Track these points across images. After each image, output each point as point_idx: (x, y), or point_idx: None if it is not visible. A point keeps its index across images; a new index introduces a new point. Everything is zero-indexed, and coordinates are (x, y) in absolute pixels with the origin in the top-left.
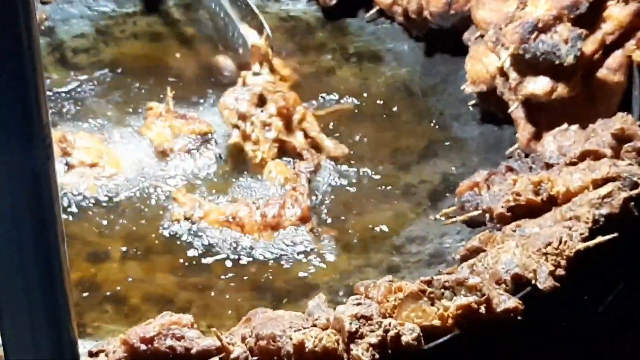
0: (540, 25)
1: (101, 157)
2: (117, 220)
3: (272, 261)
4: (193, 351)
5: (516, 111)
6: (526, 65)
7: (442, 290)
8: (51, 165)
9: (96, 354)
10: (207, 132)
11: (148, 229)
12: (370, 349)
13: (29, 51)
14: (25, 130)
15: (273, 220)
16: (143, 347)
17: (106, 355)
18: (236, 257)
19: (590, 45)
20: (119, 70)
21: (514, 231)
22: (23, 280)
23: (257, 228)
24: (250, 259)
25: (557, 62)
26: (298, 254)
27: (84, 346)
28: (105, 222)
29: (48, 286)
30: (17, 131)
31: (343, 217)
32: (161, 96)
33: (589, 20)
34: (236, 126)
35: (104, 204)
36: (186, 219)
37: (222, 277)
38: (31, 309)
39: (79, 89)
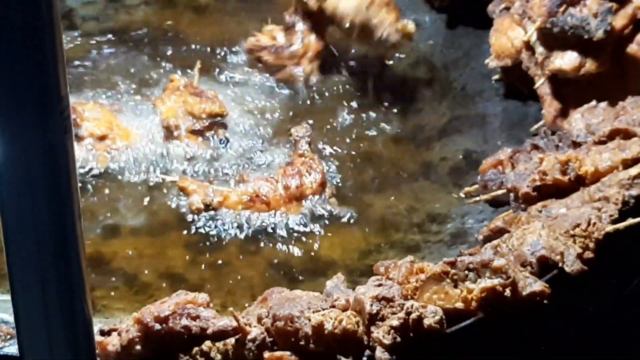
0: None
1: (111, 129)
2: (128, 195)
3: (288, 238)
4: (209, 331)
5: (542, 87)
6: (554, 39)
7: (466, 272)
8: (69, 138)
9: (108, 333)
10: (218, 113)
11: (159, 204)
12: (392, 331)
13: (48, 21)
14: (43, 102)
15: (297, 190)
16: (157, 326)
17: (119, 334)
18: (251, 233)
19: (620, 20)
20: (130, 39)
21: (540, 212)
22: (38, 255)
23: (282, 202)
24: (266, 235)
25: (586, 36)
26: (316, 229)
27: (94, 324)
28: (115, 197)
29: (63, 262)
30: (35, 104)
31: (362, 194)
32: (168, 67)
33: None
34: None
35: (114, 178)
36: (206, 206)
37: (236, 254)
38: (45, 285)
39: (88, 58)
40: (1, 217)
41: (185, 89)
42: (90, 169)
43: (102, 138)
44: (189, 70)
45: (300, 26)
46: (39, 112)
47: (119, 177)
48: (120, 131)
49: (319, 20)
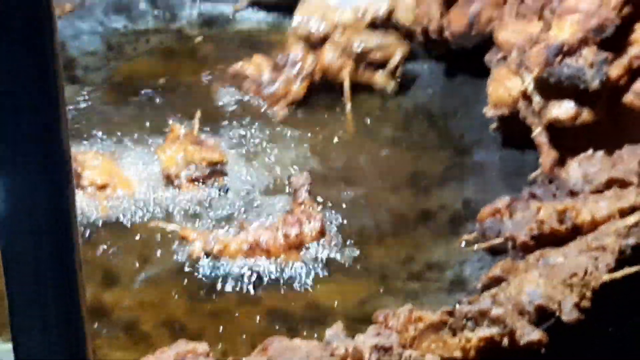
0: (565, 48)
1: (111, 178)
2: (128, 243)
3: (287, 286)
4: None
5: (539, 136)
6: (550, 89)
7: (464, 321)
8: (71, 190)
9: None
10: (218, 161)
11: (160, 252)
12: None
13: (51, 76)
14: (46, 156)
15: (297, 239)
16: None
17: None
18: (252, 282)
19: (616, 70)
20: (131, 88)
21: (538, 260)
22: (40, 304)
23: (282, 250)
24: (266, 283)
25: (582, 86)
26: (316, 277)
27: None
28: (115, 245)
29: (65, 312)
30: (38, 157)
31: (361, 242)
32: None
33: (615, 43)
34: None
35: (115, 226)
36: (207, 254)
37: (236, 302)
38: (47, 334)
39: (90, 107)
40: (3, 267)
41: (185, 137)
42: (91, 218)
43: (102, 187)
44: (190, 119)
45: (290, 71)
46: (41, 165)
47: (120, 225)
48: (121, 180)
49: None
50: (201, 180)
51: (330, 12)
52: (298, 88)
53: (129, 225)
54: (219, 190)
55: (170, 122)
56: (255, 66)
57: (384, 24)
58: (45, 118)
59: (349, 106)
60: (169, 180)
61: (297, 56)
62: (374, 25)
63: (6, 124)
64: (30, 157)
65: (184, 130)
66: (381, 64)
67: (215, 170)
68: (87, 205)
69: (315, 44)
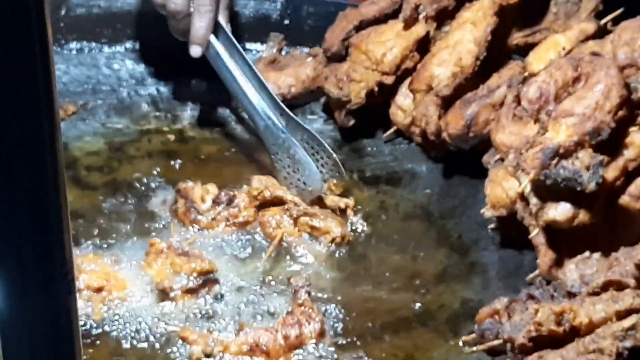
0: (561, 151)
1: (108, 280)
2: (127, 347)
3: None
4: None
5: (537, 237)
6: (547, 191)
7: None
8: (73, 299)
9: None
10: (209, 270)
11: (159, 355)
12: None
13: (52, 182)
14: (47, 264)
15: (296, 340)
16: None
17: None
18: None
19: (612, 172)
20: (133, 190)
21: None
22: None
23: (282, 351)
24: None
25: (578, 188)
26: None
27: None
28: (113, 349)
29: None
30: (39, 265)
31: (360, 342)
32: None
33: (611, 146)
34: None
35: (112, 330)
36: (207, 356)
37: None
38: None
39: (90, 209)
40: None
41: (169, 250)
42: (87, 321)
43: (98, 290)
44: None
45: (223, 212)
46: (42, 274)
47: (116, 329)
48: (117, 282)
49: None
50: (195, 290)
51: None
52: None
53: (126, 329)
54: (215, 297)
55: (150, 240)
56: (204, 191)
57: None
58: (45, 222)
59: (265, 256)
60: (163, 293)
61: (239, 203)
62: None
63: (4, 229)
64: (29, 263)
65: (164, 244)
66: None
67: (208, 279)
68: (82, 308)
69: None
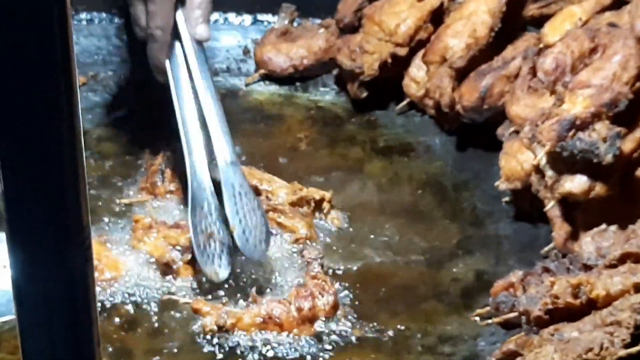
0: (578, 122)
1: (100, 260)
2: (137, 319)
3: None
4: None
5: (552, 210)
6: (563, 163)
7: None
8: (90, 267)
9: None
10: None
11: (169, 327)
12: None
13: (70, 148)
14: (65, 232)
15: (310, 312)
16: None
17: None
18: (263, 358)
19: (629, 144)
20: (141, 162)
21: (552, 335)
22: None
23: (295, 324)
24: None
25: (595, 160)
26: (327, 353)
27: None
28: (123, 322)
29: None
30: (56, 233)
31: (373, 316)
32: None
33: (628, 118)
34: None
35: (112, 310)
36: (219, 328)
37: None
38: None
39: (98, 184)
40: (20, 345)
41: (157, 225)
42: None
43: None
44: None
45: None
46: (60, 242)
47: (117, 307)
48: (109, 262)
49: None
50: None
51: None
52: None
53: (131, 304)
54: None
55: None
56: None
57: None
58: (63, 188)
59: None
60: (167, 267)
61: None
62: None
63: (21, 195)
64: (46, 230)
65: (149, 219)
66: None
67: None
68: None
69: None
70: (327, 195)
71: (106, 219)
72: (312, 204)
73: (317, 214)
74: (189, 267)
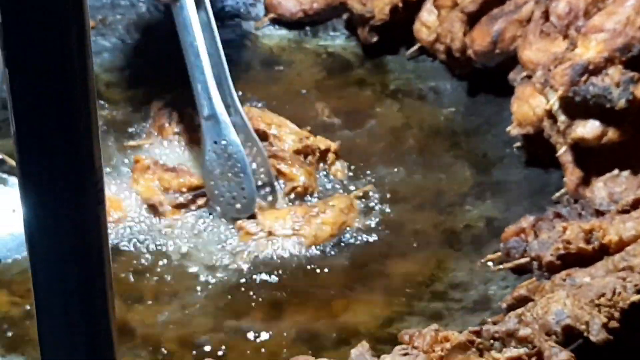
0: (590, 67)
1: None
2: (143, 264)
3: (312, 304)
4: None
5: (564, 155)
6: (575, 108)
7: (491, 341)
8: (102, 209)
9: None
10: (198, 186)
11: (177, 272)
12: None
13: (82, 90)
14: (77, 174)
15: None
16: None
17: None
18: (275, 297)
19: None
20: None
21: (564, 280)
22: (69, 325)
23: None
24: (290, 300)
25: (608, 105)
26: (339, 297)
27: None
28: (129, 268)
29: (94, 334)
30: (69, 175)
31: (383, 262)
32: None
33: None
34: None
35: (122, 250)
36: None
37: (261, 319)
38: (75, 355)
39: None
40: (33, 288)
41: (155, 166)
42: None
43: None
44: None
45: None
46: (73, 184)
47: (126, 247)
48: (112, 202)
49: None
50: (186, 205)
51: None
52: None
53: (138, 247)
54: (209, 213)
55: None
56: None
57: None
58: (75, 130)
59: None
60: (153, 209)
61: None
62: None
63: (33, 137)
64: (58, 172)
65: (149, 161)
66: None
67: (197, 194)
68: None
69: None
70: (333, 145)
71: (113, 162)
72: (317, 154)
73: (321, 165)
74: (177, 211)
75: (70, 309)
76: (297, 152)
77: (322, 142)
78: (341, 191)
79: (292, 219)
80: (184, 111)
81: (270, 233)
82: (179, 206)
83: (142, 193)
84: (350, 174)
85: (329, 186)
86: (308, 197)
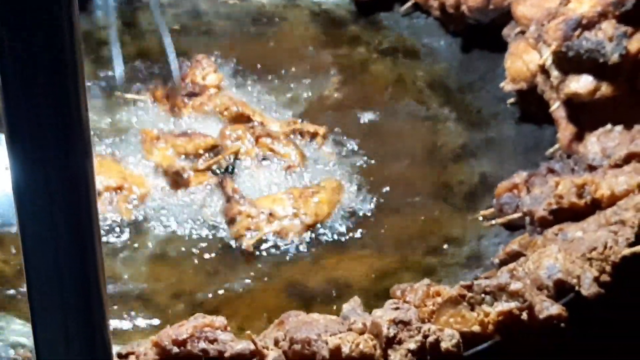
0: (584, 22)
1: (125, 179)
2: (172, 238)
3: (304, 261)
4: (226, 354)
5: (557, 110)
6: (569, 63)
7: (483, 295)
8: (90, 161)
9: (126, 356)
10: (214, 145)
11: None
12: (409, 355)
13: (69, 43)
14: (64, 125)
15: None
16: (175, 349)
17: (136, 357)
18: (267, 255)
19: (635, 44)
20: (141, 68)
21: (556, 235)
22: (58, 280)
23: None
24: (282, 259)
25: (601, 60)
26: (332, 253)
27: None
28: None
29: (83, 286)
30: (56, 126)
31: (378, 217)
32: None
33: (635, 17)
34: None
35: (151, 225)
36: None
37: (253, 277)
38: (65, 309)
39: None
40: (21, 240)
41: (164, 135)
42: (120, 221)
43: (118, 189)
44: None
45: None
46: (60, 135)
47: (155, 221)
48: (134, 179)
49: None
50: (208, 168)
51: None
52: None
53: (163, 223)
54: (227, 170)
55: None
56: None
57: None
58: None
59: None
60: (177, 175)
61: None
62: None
63: (22, 92)
64: (46, 127)
65: (156, 131)
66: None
67: (217, 151)
68: (108, 211)
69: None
70: (321, 129)
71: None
72: (307, 137)
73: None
74: (200, 175)
75: (60, 262)
76: (286, 134)
77: (309, 126)
78: (332, 165)
79: (289, 200)
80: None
81: (271, 215)
82: (200, 170)
83: (161, 163)
84: (345, 137)
85: (318, 166)
86: (300, 176)
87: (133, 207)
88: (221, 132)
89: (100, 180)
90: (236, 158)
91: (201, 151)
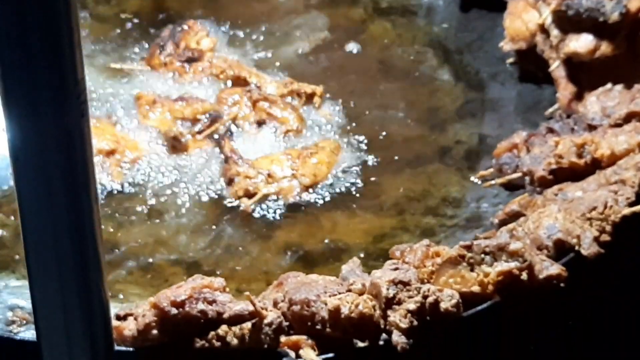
0: None
1: (118, 142)
2: (163, 202)
3: (302, 222)
4: (225, 316)
5: (557, 70)
6: (568, 22)
7: (482, 255)
8: (86, 122)
9: (124, 317)
10: (211, 109)
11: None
12: (408, 315)
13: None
14: (60, 85)
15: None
16: (174, 310)
17: (135, 319)
18: (265, 216)
19: (635, 2)
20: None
21: (556, 195)
22: (55, 239)
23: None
24: (280, 219)
25: (601, 19)
26: (331, 214)
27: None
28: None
29: (80, 246)
30: (51, 87)
31: (375, 178)
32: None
33: None
34: None
35: (142, 189)
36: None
37: (251, 239)
38: (62, 270)
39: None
40: (18, 202)
41: (161, 100)
42: (106, 185)
43: (111, 153)
44: None
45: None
46: (55, 96)
47: (147, 185)
48: (128, 142)
49: None
50: (204, 131)
51: None
52: None
53: (154, 186)
54: (226, 134)
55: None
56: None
57: None
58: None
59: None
60: (176, 140)
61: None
62: None
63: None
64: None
65: (152, 94)
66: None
67: (214, 116)
68: (99, 173)
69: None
70: (319, 89)
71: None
72: (304, 97)
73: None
74: (197, 141)
75: (57, 223)
76: (283, 96)
77: (306, 87)
78: (330, 128)
79: (288, 161)
80: (174, 42)
81: (270, 176)
82: (199, 133)
83: (159, 127)
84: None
85: (316, 128)
86: (299, 139)
87: (126, 170)
88: (218, 97)
89: (94, 144)
90: (234, 123)
91: (199, 116)
